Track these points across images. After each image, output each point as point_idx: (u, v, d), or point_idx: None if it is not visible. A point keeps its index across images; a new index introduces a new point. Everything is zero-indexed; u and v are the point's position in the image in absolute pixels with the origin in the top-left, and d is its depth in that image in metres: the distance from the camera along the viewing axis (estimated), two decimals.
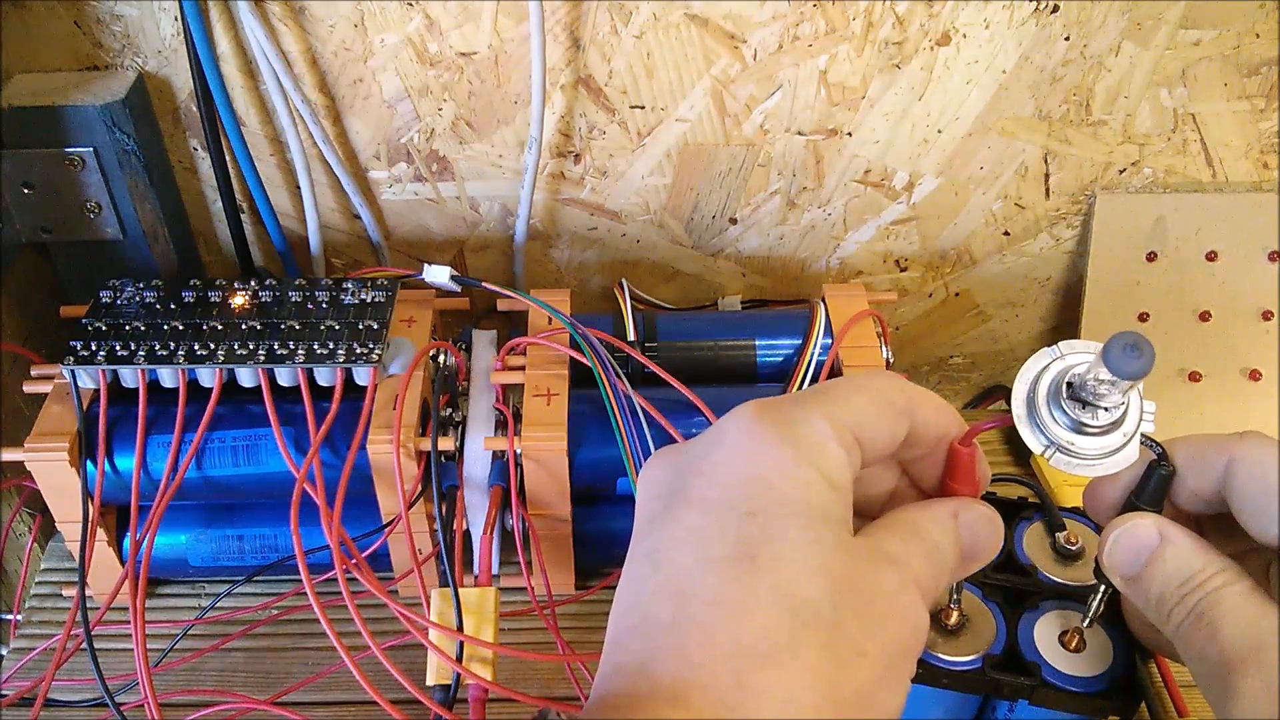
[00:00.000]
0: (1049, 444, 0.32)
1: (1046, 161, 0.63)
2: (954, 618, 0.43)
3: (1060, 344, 0.33)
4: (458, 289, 0.59)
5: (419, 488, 0.52)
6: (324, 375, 0.52)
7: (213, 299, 0.55)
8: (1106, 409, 0.32)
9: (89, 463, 0.52)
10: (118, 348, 0.52)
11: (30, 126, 0.55)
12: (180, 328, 0.53)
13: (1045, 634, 0.43)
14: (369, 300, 0.55)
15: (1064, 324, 0.71)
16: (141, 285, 0.56)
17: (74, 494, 0.52)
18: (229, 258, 0.65)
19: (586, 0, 0.56)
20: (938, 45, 0.58)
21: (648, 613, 0.26)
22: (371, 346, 0.53)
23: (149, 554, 0.50)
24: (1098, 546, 0.34)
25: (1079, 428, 0.32)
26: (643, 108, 0.60)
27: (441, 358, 0.57)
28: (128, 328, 0.53)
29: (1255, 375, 0.67)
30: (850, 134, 0.61)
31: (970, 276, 0.69)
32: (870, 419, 0.29)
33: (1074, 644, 0.42)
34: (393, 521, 0.53)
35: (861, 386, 0.30)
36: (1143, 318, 0.66)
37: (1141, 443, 0.33)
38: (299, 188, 0.62)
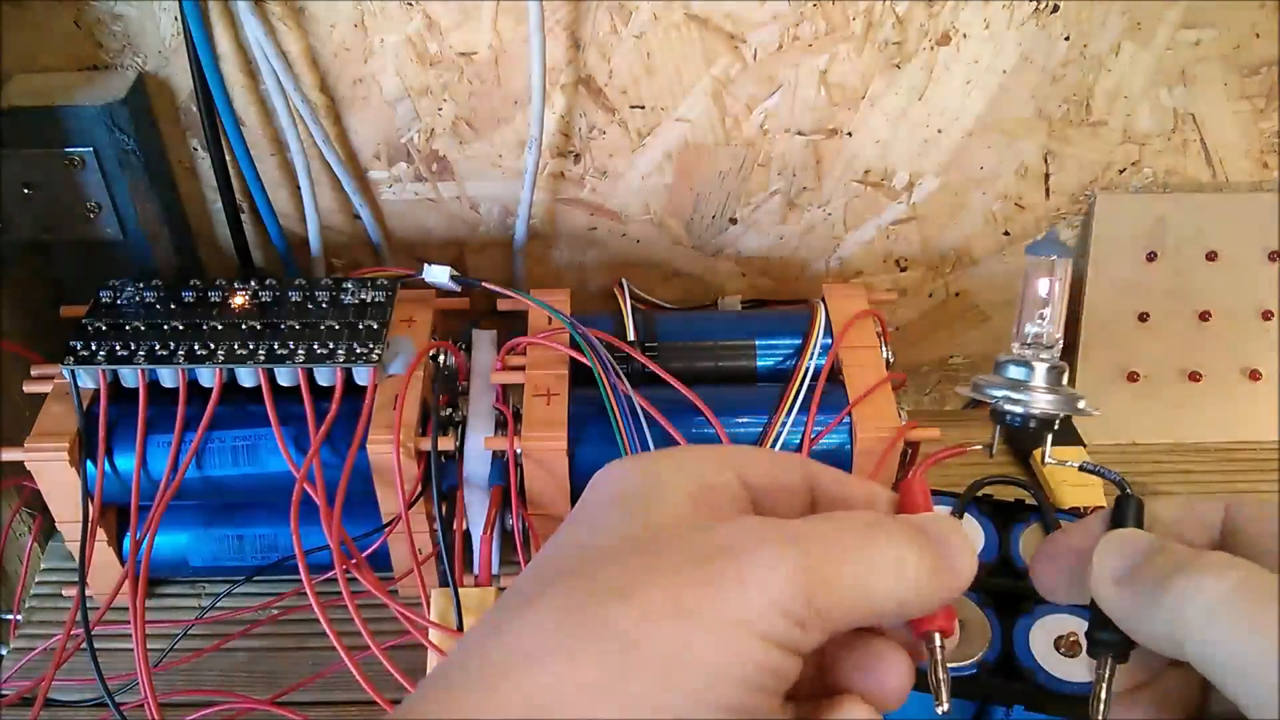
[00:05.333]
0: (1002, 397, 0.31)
1: (1046, 161, 0.63)
2: None
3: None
4: (458, 289, 0.59)
5: (419, 488, 0.52)
6: (324, 375, 0.52)
7: (213, 299, 0.55)
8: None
9: (89, 463, 0.52)
10: (118, 348, 0.52)
11: (30, 126, 0.55)
12: (180, 328, 0.53)
13: (1041, 639, 0.43)
14: (369, 300, 0.55)
15: (1064, 324, 0.71)
16: (141, 285, 0.56)
17: (74, 494, 0.52)
18: (229, 258, 0.65)
19: (586, 0, 0.56)
20: (938, 45, 0.58)
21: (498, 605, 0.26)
22: (371, 346, 0.53)
23: (149, 554, 0.50)
24: (1090, 577, 0.27)
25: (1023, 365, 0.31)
26: (643, 108, 0.60)
27: (441, 358, 0.57)
28: (128, 328, 0.53)
29: (1255, 375, 0.67)
30: (850, 134, 0.61)
31: (970, 276, 0.69)
32: (763, 465, 0.28)
33: (1070, 649, 0.42)
34: (393, 521, 0.53)
35: (758, 448, 0.29)
36: (1143, 318, 0.66)
37: (1105, 476, 0.32)
38: (299, 188, 0.62)
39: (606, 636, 0.23)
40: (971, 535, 0.47)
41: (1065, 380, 0.33)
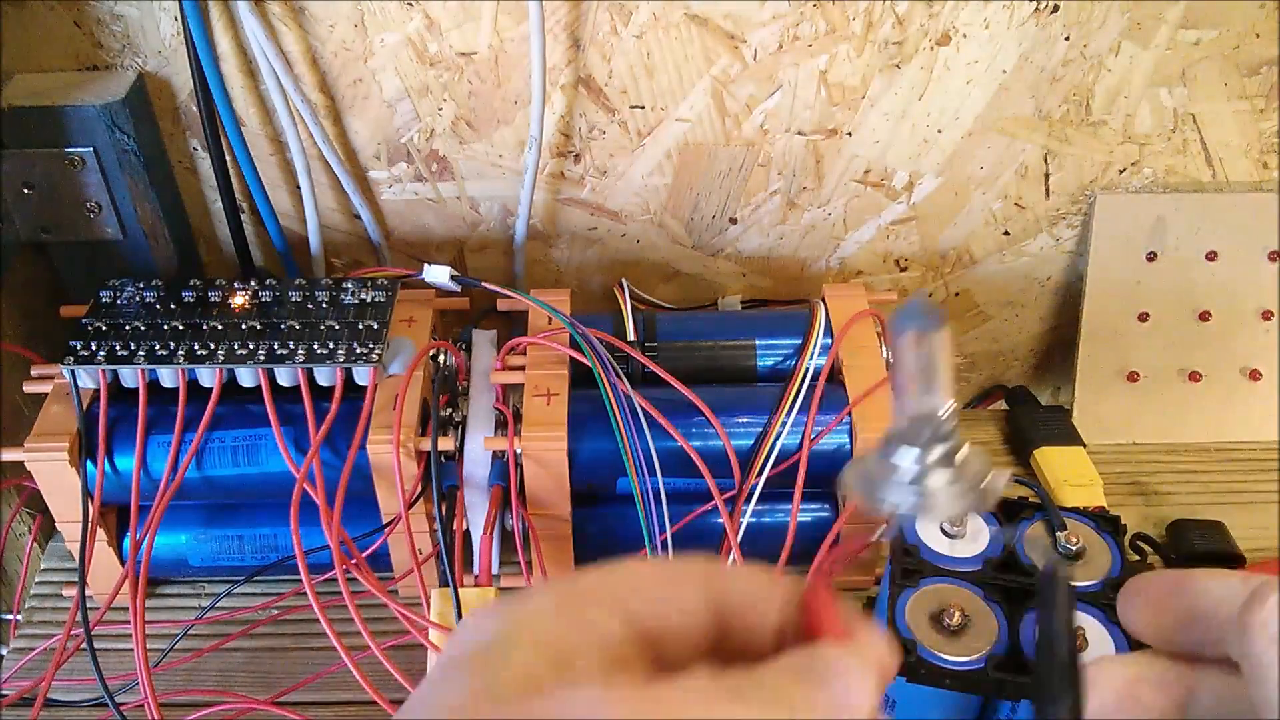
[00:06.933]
0: (897, 501, 0.30)
1: (1046, 161, 0.63)
2: (956, 618, 0.43)
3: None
4: (458, 289, 0.59)
5: (419, 488, 0.52)
6: (324, 375, 0.52)
7: (213, 299, 0.55)
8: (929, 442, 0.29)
9: (89, 463, 0.52)
10: (118, 348, 0.52)
11: (30, 126, 0.55)
12: (180, 328, 0.53)
13: None
14: (369, 300, 0.55)
15: (1064, 324, 0.71)
16: (141, 285, 0.56)
17: (74, 494, 0.52)
18: (229, 258, 0.65)
19: (586, 0, 0.56)
20: (938, 45, 0.58)
21: None
22: (371, 346, 0.53)
23: (149, 554, 0.50)
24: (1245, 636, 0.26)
25: (918, 470, 0.30)
26: (643, 108, 0.60)
27: (441, 358, 0.57)
28: (128, 328, 0.53)
29: (1255, 375, 0.67)
30: (850, 134, 0.61)
31: (970, 276, 0.69)
32: (652, 598, 0.25)
33: (1077, 644, 0.42)
34: (393, 521, 0.53)
35: (650, 565, 0.26)
36: (1143, 318, 0.66)
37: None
38: (299, 188, 0.62)
39: None
40: (976, 532, 0.47)
41: (963, 456, 0.31)
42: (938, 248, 0.67)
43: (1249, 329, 0.66)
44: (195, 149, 0.61)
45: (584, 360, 0.54)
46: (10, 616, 0.59)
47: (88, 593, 0.52)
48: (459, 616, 0.48)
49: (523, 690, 0.22)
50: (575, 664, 0.23)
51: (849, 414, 0.54)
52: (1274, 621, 0.26)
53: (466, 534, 0.54)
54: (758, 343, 0.59)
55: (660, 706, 0.21)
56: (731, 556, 0.51)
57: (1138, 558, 0.59)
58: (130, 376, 0.52)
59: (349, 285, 0.56)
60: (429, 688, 0.23)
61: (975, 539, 0.47)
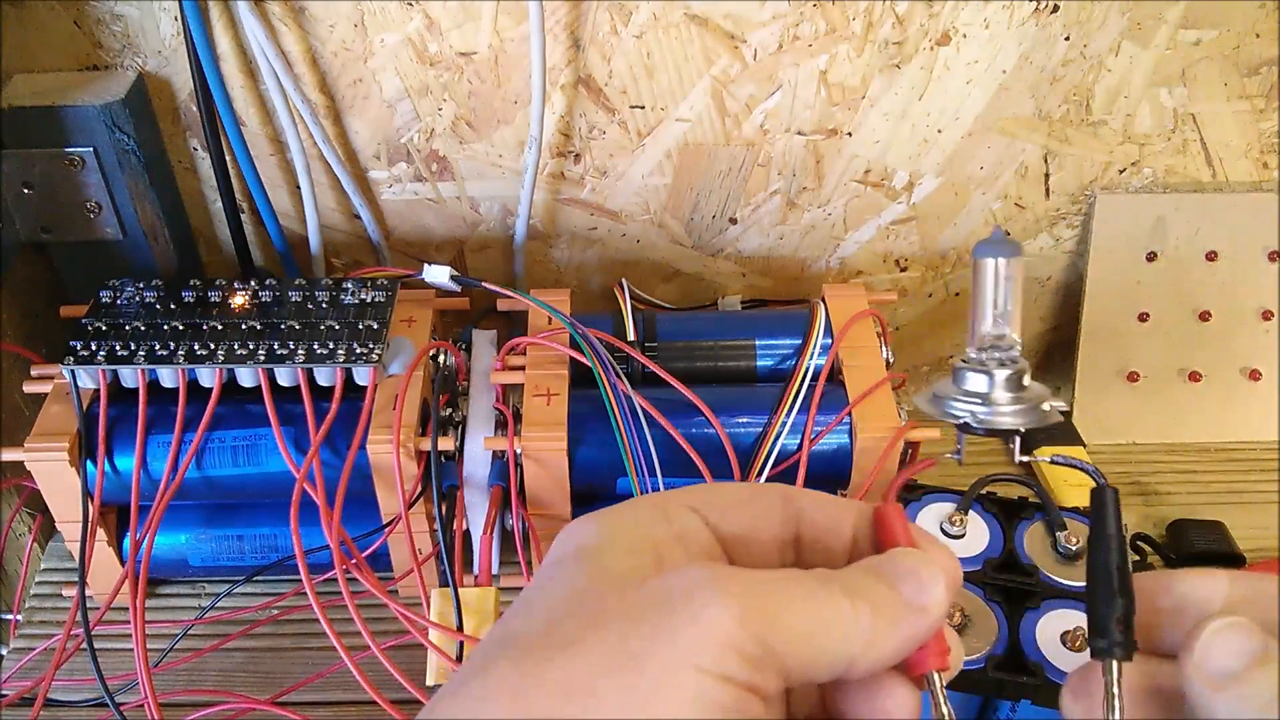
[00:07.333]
0: (966, 414, 0.32)
1: (1046, 161, 0.63)
2: (956, 617, 0.43)
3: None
4: (457, 289, 0.59)
5: (419, 488, 0.52)
6: (324, 375, 0.52)
7: (213, 299, 0.55)
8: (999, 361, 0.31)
9: (89, 463, 0.52)
10: (118, 348, 0.52)
11: (30, 126, 0.55)
12: (180, 328, 0.53)
13: (1048, 634, 0.43)
14: (369, 300, 0.55)
15: (1064, 324, 0.71)
16: (141, 285, 0.56)
17: (74, 494, 0.52)
18: (229, 258, 0.65)
19: (586, 0, 0.56)
20: (938, 45, 0.58)
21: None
22: (371, 346, 0.53)
23: (149, 554, 0.50)
24: (1187, 661, 0.26)
25: (984, 389, 0.31)
26: (643, 108, 0.60)
27: (441, 358, 0.57)
28: (128, 328, 0.53)
29: (1255, 375, 0.67)
30: (850, 134, 0.61)
31: (970, 276, 0.69)
32: (737, 509, 0.27)
33: (1077, 643, 0.42)
34: (393, 521, 0.53)
35: (731, 485, 0.29)
36: (1143, 318, 0.66)
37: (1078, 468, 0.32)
38: (299, 188, 0.62)
39: (557, 691, 0.22)
40: (976, 532, 0.47)
41: (1028, 381, 0.33)
42: (938, 248, 0.67)
43: (1249, 329, 0.66)
44: (195, 149, 0.61)
45: (584, 360, 0.54)
46: (10, 616, 0.59)
47: (88, 593, 0.52)
48: (459, 617, 0.48)
49: (633, 578, 0.24)
50: (671, 560, 0.25)
51: (849, 414, 0.54)
52: (1216, 664, 0.25)
53: (466, 534, 0.54)
54: (758, 343, 0.59)
55: (758, 585, 0.24)
56: None
57: (1138, 558, 0.59)
58: (130, 376, 0.52)
59: (349, 285, 0.56)
60: (546, 579, 0.26)
61: (975, 539, 0.47)
